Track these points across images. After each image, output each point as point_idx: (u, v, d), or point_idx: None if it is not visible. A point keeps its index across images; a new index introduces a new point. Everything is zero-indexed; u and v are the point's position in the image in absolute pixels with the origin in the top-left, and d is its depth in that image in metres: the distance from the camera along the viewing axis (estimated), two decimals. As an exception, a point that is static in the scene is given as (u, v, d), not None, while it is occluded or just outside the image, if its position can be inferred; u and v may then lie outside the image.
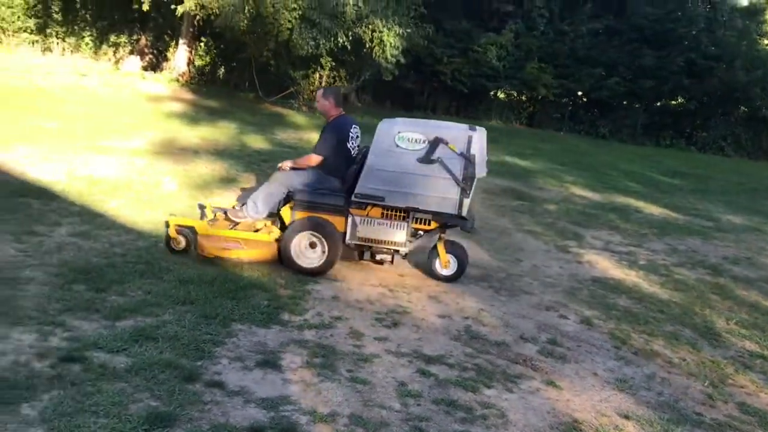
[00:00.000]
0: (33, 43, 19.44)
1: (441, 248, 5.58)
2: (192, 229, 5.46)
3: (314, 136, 13.19)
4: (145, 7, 14.90)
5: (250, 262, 5.37)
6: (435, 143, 5.15)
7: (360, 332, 4.36)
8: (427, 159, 5.16)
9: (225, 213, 5.79)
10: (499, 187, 10.25)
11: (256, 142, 11.58)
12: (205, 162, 9.14)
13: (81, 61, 18.80)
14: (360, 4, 15.27)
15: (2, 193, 6.52)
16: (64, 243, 5.32)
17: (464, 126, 5.46)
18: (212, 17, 15.35)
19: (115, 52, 19.59)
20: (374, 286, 5.32)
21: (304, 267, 5.33)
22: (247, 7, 14.57)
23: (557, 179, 12.12)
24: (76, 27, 19.50)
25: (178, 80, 17.73)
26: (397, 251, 5.48)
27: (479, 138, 5.24)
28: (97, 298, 4.28)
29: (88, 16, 19.32)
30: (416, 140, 5.18)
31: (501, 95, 23.91)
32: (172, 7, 14.86)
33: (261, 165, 9.54)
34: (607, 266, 6.83)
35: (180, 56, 18.40)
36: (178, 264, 5.14)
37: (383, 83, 18.24)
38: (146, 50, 19.82)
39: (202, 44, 18.60)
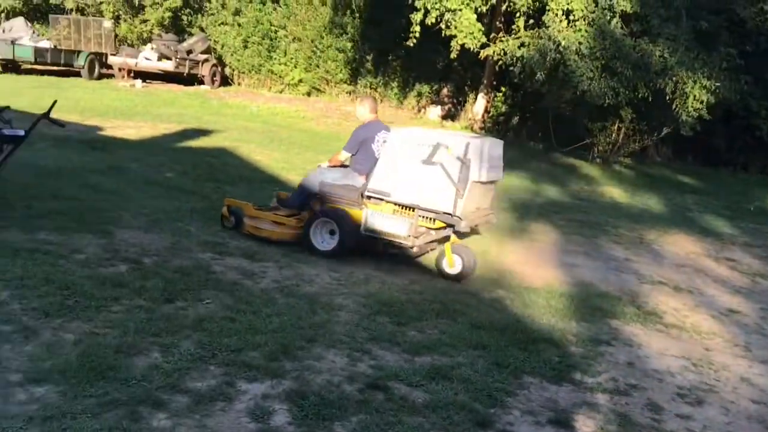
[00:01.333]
0: (349, 93, 21.77)
1: (448, 248, 6.06)
2: (241, 210, 6.57)
3: (609, 189, 12.86)
4: (453, 55, 15.81)
5: (278, 240, 6.33)
6: (436, 147, 5.72)
7: (659, 405, 4.03)
8: (429, 161, 5.74)
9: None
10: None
11: (548, 191, 11.53)
12: (497, 209, 9.30)
13: (388, 110, 20.56)
14: (666, 54, 14.53)
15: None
16: (370, 276, 5.78)
17: (466, 134, 6.42)
18: (512, 67, 15.79)
19: (418, 101, 21.06)
20: (675, 357, 4.91)
21: (320, 249, 6.16)
22: (550, 55, 14.71)
23: None
24: (386, 78, 21.40)
25: (471, 128, 18.46)
26: (402, 245, 6.03)
27: (478, 145, 5.79)
28: (398, 332, 4.56)
29: (397, 67, 21.08)
30: (421, 144, 5.80)
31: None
32: (474, 50, 15.53)
33: (553, 216, 9.47)
34: None
35: (478, 105, 19.16)
36: (470, 308, 5.28)
37: (685, 137, 17.03)
38: (446, 99, 21.01)
39: (500, 94, 19.18)
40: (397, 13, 19.35)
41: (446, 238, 6.06)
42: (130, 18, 23.36)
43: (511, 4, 15.42)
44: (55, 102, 6.28)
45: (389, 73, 21.31)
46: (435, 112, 20.06)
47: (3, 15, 24.25)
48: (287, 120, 17.01)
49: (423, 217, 5.88)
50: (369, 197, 6.03)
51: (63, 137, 9.61)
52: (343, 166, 6.64)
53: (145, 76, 21.17)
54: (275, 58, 22.40)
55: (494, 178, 6.14)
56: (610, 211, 10.65)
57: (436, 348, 4.35)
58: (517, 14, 15.54)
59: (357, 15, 20.97)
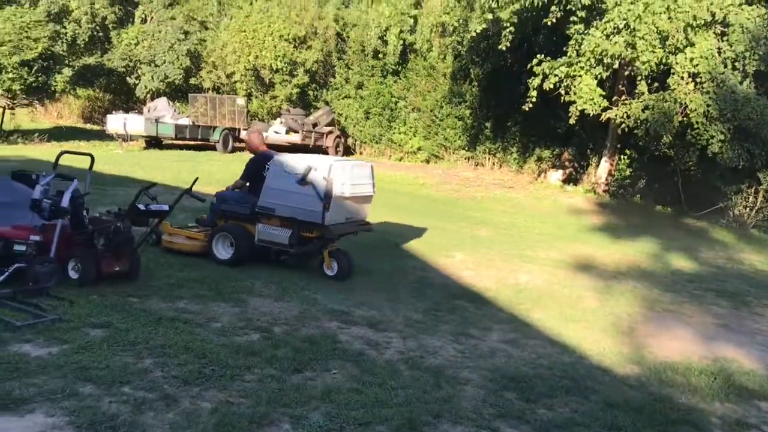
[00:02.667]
0: (468, 159, 21.91)
1: (326, 254, 7.44)
2: (161, 228, 7.34)
3: (747, 257, 12.03)
4: (572, 120, 15.61)
5: (189, 252, 7.47)
6: (308, 170, 6.96)
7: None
8: (302, 181, 6.99)
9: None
10: None
11: (679, 261, 10.93)
12: (626, 279, 8.94)
13: (507, 175, 20.49)
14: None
15: (442, 294, 7.31)
16: (495, 348, 5.66)
17: (333, 158, 8.49)
18: (636, 130, 15.38)
19: (538, 166, 20.84)
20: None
21: (220, 258, 7.34)
22: (676, 118, 14.22)
23: None
24: (505, 143, 21.40)
25: (595, 192, 17.99)
26: (287, 252, 7.33)
27: (341, 166, 7.13)
28: (527, 409, 4.41)
29: (516, 132, 21.06)
30: (296, 167, 7.08)
31: None
32: (593, 113, 15.23)
33: (686, 286, 8.96)
34: None
35: (601, 168, 18.71)
36: (602, 385, 5.04)
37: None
38: (567, 164, 20.67)
39: (623, 157, 18.65)
40: (515, 80, 19.48)
41: (325, 245, 7.37)
42: (261, 94, 24.87)
43: (634, 68, 15.12)
44: (197, 179, 6.75)
45: (508, 139, 21.32)
46: (556, 176, 19.77)
47: (149, 96, 26.53)
48: (407, 187, 17.30)
49: (303, 228, 7.16)
50: (260, 213, 7.30)
51: (201, 208, 10.23)
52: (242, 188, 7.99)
53: (274, 148, 22.28)
54: (395, 128, 23.04)
55: (362, 193, 7.49)
56: (750, 280, 9.94)
57: (568, 428, 4.17)
58: (639, 77, 15.20)
59: (475, 84, 21.28)
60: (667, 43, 14.04)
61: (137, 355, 4.43)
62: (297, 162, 7.21)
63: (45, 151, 16.65)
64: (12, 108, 20.77)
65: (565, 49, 15.55)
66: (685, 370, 5.58)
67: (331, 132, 22.68)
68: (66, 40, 25.00)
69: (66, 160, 6.49)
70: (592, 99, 15.02)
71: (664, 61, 14.40)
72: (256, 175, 7.70)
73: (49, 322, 4.79)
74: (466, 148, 21.93)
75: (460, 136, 21.82)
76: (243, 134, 22.38)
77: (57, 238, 5.89)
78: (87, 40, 26.81)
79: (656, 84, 15.71)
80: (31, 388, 3.72)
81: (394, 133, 23.06)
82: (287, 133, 21.84)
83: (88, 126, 26.99)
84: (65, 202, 5.91)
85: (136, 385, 3.97)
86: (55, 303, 5.26)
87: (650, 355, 5.94)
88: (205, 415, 3.70)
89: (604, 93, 15.37)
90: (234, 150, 22.45)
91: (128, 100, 28.57)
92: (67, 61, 22.94)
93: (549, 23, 15.21)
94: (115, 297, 5.63)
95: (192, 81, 26.63)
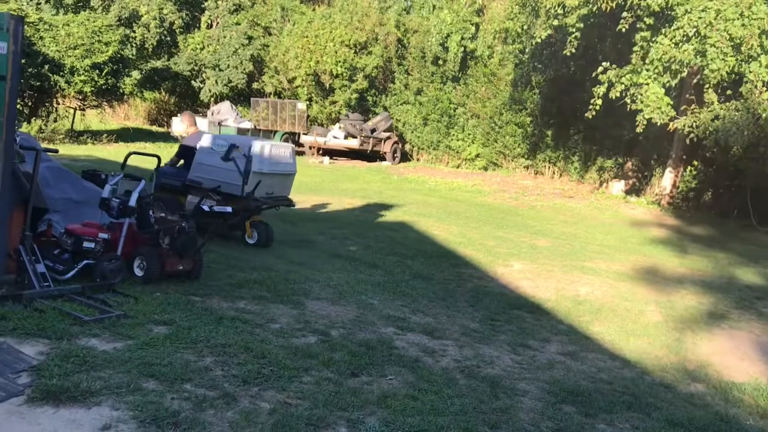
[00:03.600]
0: (527, 167, 21.66)
1: (248, 224, 8.32)
2: None
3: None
4: (639, 129, 15.21)
5: None
6: (231, 147, 7.88)
7: None
8: (226, 158, 7.85)
9: None
10: None
11: (747, 275, 10.53)
12: (691, 293, 8.66)
13: (567, 184, 20.17)
14: None
15: (500, 304, 7.22)
16: (554, 360, 5.56)
17: (255, 138, 9.80)
18: (705, 140, 14.92)
19: (600, 176, 20.45)
20: None
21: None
22: (748, 129, 13.72)
23: None
24: (566, 152, 21.07)
25: (658, 204, 17.53)
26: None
27: (261, 145, 8.11)
28: (586, 423, 4.31)
29: (578, 141, 20.70)
30: (222, 145, 8.02)
31: None
32: (660, 122, 14.83)
33: (754, 302, 8.61)
34: None
35: (665, 179, 18.23)
36: (665, 402, 4.89)
37: None
38: (630, 174, 20.21)
39: (689, 168, 18.12)
40: (578, 88, 19.18)
41: (248, 216, 8.03)
42: (320, 99, 25.16)
43: (702, 77, 14.68)
44: (259, 182, 6.87)
45: (570, 147, 20.99)
46: (618, 186, 19.35)
47: (213, 99, 27.15)
48: (464, 194, 17.21)
49: (224, 198, 7.55)
50: (190, 186, 8.12)
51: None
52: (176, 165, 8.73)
53: (332, 153, 22.53)
54: (453, 134, 22.97)
55: (282, 171, 8.37)
56: (825, 299, 9.50)
57: (629, 445, 4.06)
58: (707, 86, 14.75)
59: (536, 91, 21.04)
60: (740, 50, 13.58)
61: (198, 353, 4.51)
62: (222, 140, 8.29)
63: (112, 152, 17.22)
64: (83, 109, 21.54)
65: (631, 57, 15.22)
66: (753, 390, 5.37)
67: (389, 137, 22.77)
68: (135, 44, 25.83)
69: (133, 161, 6.70)
70: (660, 108, 14.63)
71: (736, 69, 13.93)
72: (187, 154, 8.63)
73: (114, 317, 4.93)
74: (526, 156, 21.70)
75: (519, 144, 21.60)
76: (303, 138, 22.72)
77: (124, 237, 6.08)
78: (155, 44, 27.64)
79: (728, 92, 15.21)
80: (97, 382, 3.82)
81: (452, 139, 22.99)
82: (346, 138, 22.04)
83: (154, 128, 27.77)
84: (133, 201, 6.10)
85: (197, 382, 4.04)
86: (120, 299, 5.41)
87: (715, 374, 5.73)
88: (263, 415, 3.74)
89: (671, 102, 14.97)
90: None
91: (193, 104, 29.30)
92: (135, 65, 23.70)
93: (620, 30, 14.92)
94: (177, 295, 5.76)
95: (254, 85, 27.15)
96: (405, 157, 23.80)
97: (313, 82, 24.68)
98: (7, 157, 5.10)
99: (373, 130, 22.43)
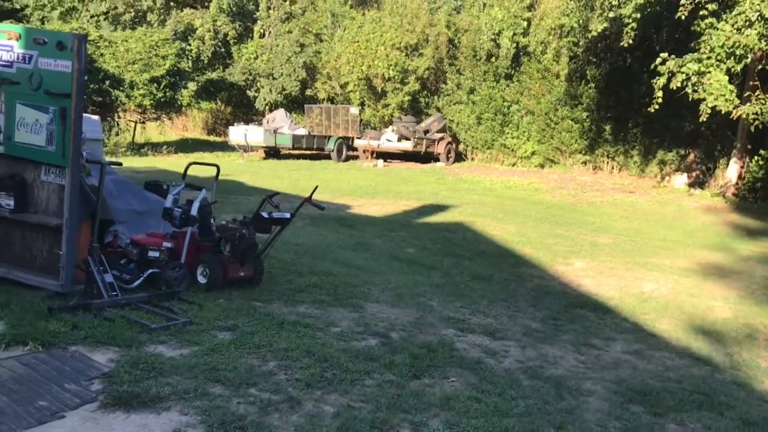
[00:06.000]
0: (585, 163, 21.25)
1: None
2: None
3: None
4: (703, 118, 14.73)
5: None
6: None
7: None
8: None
9: None
10: None
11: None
12: (761, 288, 8.35)
13: (627, 179, 19.70)
14: None
15: (562, 303, 7.11)
16: (619, 359, 5.44)
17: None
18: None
19: (661, 169, 19.90)
20: None
21: None
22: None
23: None
24: (625, 146, 20.58)
25: (723, 196, 16.95)
26: None
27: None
28: (655, 423, 4.21)
29: (638, 134, 20.19)
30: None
31: None
32: (725, 110, 14.31)
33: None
34: None
35: (730, 170, 17.63)
36: (738, 401, 4.73)
37: None
38: (694, 166, 19.61)
39: (756, 158, 17.45)
40: (635, 80, 18.73)
41: None
42: (373, 103, 25.27)
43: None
44: (317, 187, 6.91)
45: (629, 141, 20.48)
46: (681, 180, 18.78)
47: (267, 107, 27.58)
48: (521, 193, 17.01)
49: None
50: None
51: (317, 216, 10.49)
52: None
53: (386, 155, 22.59)
54: (508, 132, 22.71)
55: (90, 137, 7.66)
56: None
57: (701, 446, 3.94)
58: (775, 71, 14.21)
59: (592, 85, 20.63)
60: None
61: (262, 358, 4.58)
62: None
63: (172, 162, 17.66)
64: (143, 122, 22.20)
65: (692, 45, 14.78)
66: (834, 388, 5.14)
67: (442, 138, 22.69)
68: (191, 56, 26.48)
69: (193, 171, 6.85)
70: (723, 95, 14.13)
71: (803, 53, 13.39)
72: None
73: (180, 324, 5.05)
74: (584, 152, 21.28)
75: (576, 140, 21.20)
76: (357, 142, 22.86)
77: (187, 245, 6.21)
78: (210, 55, 28.28)
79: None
80: (166, 388, 3.92)
81: (506, 137, 22.74)
82: (399, 140, 22.06)
83: (211, 138, 28.39)
84: (194, 210, 6.23)
85: (262, 387, 4.10)
86: (185, 306, 5.54)
87: (792, 371, 5.52)
88: (328, 418, 3.77)
89: (734, 89, 14.45)
90: (348, 158, 22.90)
91: (248, 112, 29.85)
92: (192, 77, 24.29)
93: (680, 18, 14.52)
94: (240, 301, 5.86)
95: (308, 92, 27.48)
96: (459, 158, 23.67)
97: (365, 87, 24.81)
98: (74, 172, 5.29)
99: (426, 132, 22.39)
